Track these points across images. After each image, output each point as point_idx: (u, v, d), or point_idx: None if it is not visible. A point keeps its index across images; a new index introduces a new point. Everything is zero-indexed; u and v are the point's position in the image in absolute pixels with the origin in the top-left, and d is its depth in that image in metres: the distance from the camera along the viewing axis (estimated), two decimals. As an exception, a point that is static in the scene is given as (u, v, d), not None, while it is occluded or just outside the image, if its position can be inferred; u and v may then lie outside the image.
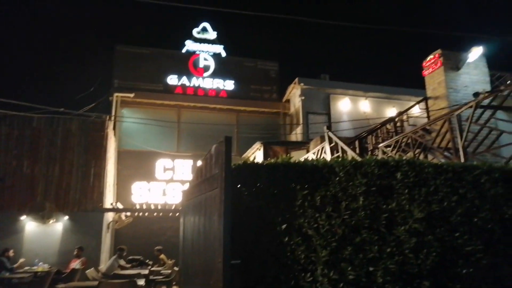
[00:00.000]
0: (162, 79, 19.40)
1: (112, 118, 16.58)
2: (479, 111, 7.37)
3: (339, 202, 4.05)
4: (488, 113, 7.34)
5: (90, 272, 11.22)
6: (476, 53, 11.41)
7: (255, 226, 3.90)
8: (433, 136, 8.72)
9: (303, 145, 15.87)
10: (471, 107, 6.96)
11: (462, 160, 6.97)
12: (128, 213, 16.25)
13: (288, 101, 20.75)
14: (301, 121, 18.71)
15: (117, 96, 18.22)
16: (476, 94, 8.68)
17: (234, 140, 19.56)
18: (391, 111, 19.08)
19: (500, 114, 8.55)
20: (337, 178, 4.14)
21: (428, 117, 12.16)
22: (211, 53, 20.31)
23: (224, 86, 19.94)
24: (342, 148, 9.46)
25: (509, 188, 4.54)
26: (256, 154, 16.01)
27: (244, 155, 17.45)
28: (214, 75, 19.99)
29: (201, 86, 19.68)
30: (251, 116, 20.30)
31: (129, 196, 16.76)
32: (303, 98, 18.98)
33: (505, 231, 4.31)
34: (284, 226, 3.86)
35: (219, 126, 18.44)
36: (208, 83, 19.77)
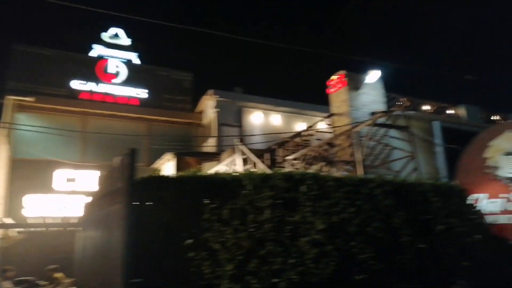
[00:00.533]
0: (66, 84, 18.00)
1: (3, 123, 14.92)
2: (375, 128, 8.06)
3: (246, 215, 4.10)
4: (384, 130, 8.07)
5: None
6: (374, 75, 12.52)
7: (161, 242, 3.77)
8: (336, 150, 9.35)
9: (215, 156, 15.86)
10: (369, 125, 7.60)
11: (361, 172, 7.55)
12: (21, 229, 14.63)
13: (201, 112, 20.66)
14: (215, 133, 18.73)
15: (11, 99, 16.45)
16: (373, 113, 9.55)
17: (145, 151, 18.83)
18: (300, 126, 20.03)
19: (393, 132, 9.48)
20: (245, 192, 4.19)
21: (333, 132, 13.01)
22: (123, 60, 19.45)
23: (136, 94, 19.18)
24: (253, 160, 9.66)
25: (398, 199, 5.02)
26: (167, 165, 15.60)
27: (153, 166, 16.88)
28: (125, 82, 19.13)
29: (110, 92, 18.66)
30: (163, 126, 19.76)
31: (21, 210, 15.13)
32: (217, 110, 19.05)
33: (393, 238, 4.74)
34: (190, 241, 3.78)
35: (130, 136, 17.62)
36: (119, 90, 18.83)
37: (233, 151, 12.20)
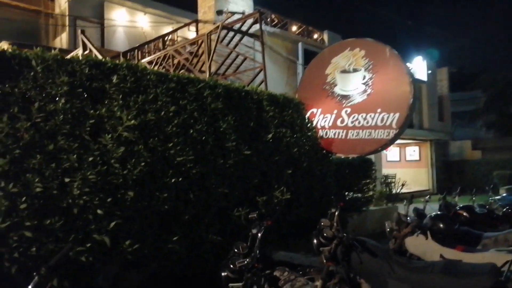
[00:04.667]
0: None
1: None
2: (230, 35, 7.58)
3: (31, 102, 3.31)
4: (238, 38, 7.64)
5: None
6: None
7: None
8: (197, 60, 8.70)
9: (66, 53, 13.82)
10: (217, 27, 7.06)
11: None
12: None
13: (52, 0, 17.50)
14: (67, 26, 16.17)
15: None
16: (219, 12, 8.98)
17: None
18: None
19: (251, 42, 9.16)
20: (32, 73, 3.35)
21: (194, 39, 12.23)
22: None
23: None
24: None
25: (228, 104, 4.75)
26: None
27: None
28: None
29: None
30: (2, 10, 16.27)
31: None
32: (71, -1, 16.28)
33: (218, 143, 4.52)
34: None
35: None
36: None
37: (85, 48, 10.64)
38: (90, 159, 3.48)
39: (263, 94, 5.48)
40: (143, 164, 3.77)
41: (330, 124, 6.52)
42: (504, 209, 6.16)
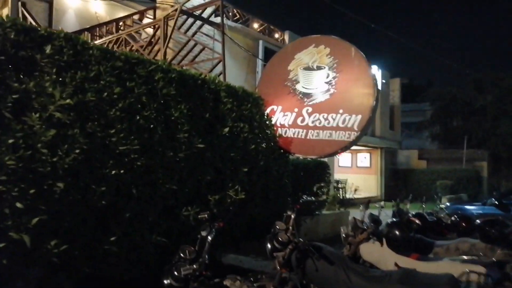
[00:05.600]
0: None
1: None
2: (189, 22, 7.10)
3: None
4: (196, 24, 7.17)
5: None
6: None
7: None
8: (152, 48, 8.10)
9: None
10: (176, 10, 6.56)
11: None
12: None
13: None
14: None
15: None
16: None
17: None
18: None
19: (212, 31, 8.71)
20: None
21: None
22: None
23: None
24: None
25: (182, 91, 4.30)
26: None
27: None
28: None
29: None
30: None
31: None
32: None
33: (168, 133, 4.06)
34: None
35: None
36: None
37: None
38: (10, 141, 2.90)
39: (221, 85, 5.07)
40: (77, 151, 3.24)
41: (290, 122, 6.24)
42: (452, 218, 6.19)
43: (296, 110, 6.23)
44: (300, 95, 6.25)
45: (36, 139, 3.04)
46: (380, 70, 20.35)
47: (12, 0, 14.72)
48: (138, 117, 3.77)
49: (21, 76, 3.06)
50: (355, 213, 8.22)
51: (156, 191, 3.86)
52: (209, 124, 4.64)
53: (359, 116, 5.60)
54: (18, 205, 2.87)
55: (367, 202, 5.46)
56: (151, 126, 3.88)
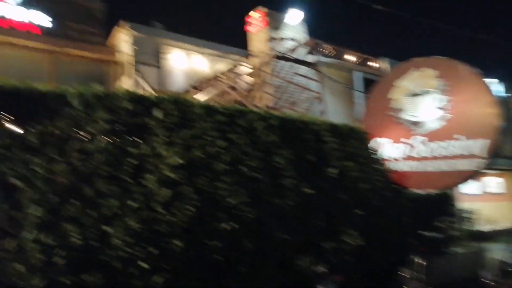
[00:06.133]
0: None
1: None
2: (282, 64, 7.21)
3: (69, 143, 3.03)
4: (290, 66, 7.24)
5: None
6: (296, 16, 11.59)
7: None
8: (252, 95, 8.43)
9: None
10: (270, 58, 6.69)
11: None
12: None
13: (113, 46, 18.52)
14: (128, 71, 16.93)
15: None
16: (271, 40, 8.63)
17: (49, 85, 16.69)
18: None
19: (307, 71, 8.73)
20: (71, 111, 3.10)
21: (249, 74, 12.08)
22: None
23: (38, 21, 16.50)
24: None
25: (283, 136, 4.24)
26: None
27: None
28: (26, 5, 16.34)
29: (6, 16, 15.86)
30: (70, 59, 17.44)
31: None
32: (130, 45, 17.11)
33: (273, 181, 3.99)
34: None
35: (30, 68, 15.37)
36: (16, 13, 16.06)
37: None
38: (131, 203, 3.10)
39: (322, 124, 4.92)
40: (191, 208, 3.33)
41: (401, 155, 5.75)
42: None
43: (405, 140, 5.74)
44: (408, 124, 5.76)
45: (153, 199, 3.20)
46: (502, 83, 18.26)
47: (130, 72, 16.80)
48: (243, 168, 3.78)
49: (136, 141, 3.30)
50: (493, 250, 7.09)
51: (268, 242, 3.76)
52: (314, 167, 4.48)
53: (484, 140, 4.91)
54: (144, 265, 3.00)
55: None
56: (257, 175, 3.85)
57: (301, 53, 7.76)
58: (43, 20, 16.98)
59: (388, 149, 5.86)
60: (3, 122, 2.81)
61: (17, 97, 2.95)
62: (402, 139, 5.74)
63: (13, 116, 2.87)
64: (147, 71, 17.47)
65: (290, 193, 4.07)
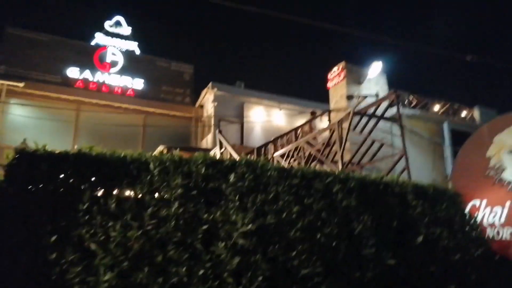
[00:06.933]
0: (61, 71, 17.42)
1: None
2: (363, 121, 6.97)
3: (145, 208, 3.11)
4: (372, 123, 6.96)
5: None
6: (376, 68, 11.39)
7: (17, 238, 2.82)
8: (329, 150, 8.25)
9: (208, 151, 14.99)
10: (349, 114, 6.51)
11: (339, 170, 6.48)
12: None
13: (201, 106, 19.79)
14: (212, 128, 17.82)
15: (2, 84, 15.94)
16: (350, 97, 8.41)
17: (140, 143, 18.17)
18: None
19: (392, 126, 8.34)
20: (149, 177, 3.20)
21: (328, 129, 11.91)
22: (122, 49, 18.79)
23: (133, 85, 18.45)
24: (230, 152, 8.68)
25: (363, 200, 3.95)
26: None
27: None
28: (123, 71, 18.45)
29: (106, 82, 18.00)
30: (161, 119, 18.97)
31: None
32: (215, 104, 18.14)
33: (351, 249, 3.66)
34: (54, 238, 2.81)
35: (125, 127, 16.99)
36: (115, 79, 18.15)
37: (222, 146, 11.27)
38: (201, 272, 3.02)
39: (406, 186, 4.52)
40: (260, 278, 3.15)
41: (503, 220, 5.02)
42: None
43: (508, 203, 5.03)
44: (509, 185, 5.06)
45: (223, 268, 3.09)
46: None
47: (213, 129, 17.64)
48: (319, 236, 3.54)
49: (210, 207, 3.28)
50: None
51: (346, 320, 3.40)
52: (398, 234, 4.06)
53: None
54: None
55: None
56: (333, 244, 3.57)
57: (382, 107, 7.46)
58: (138, 84, 18.90)
59: (487, 214, 5.17)
60: (85, 186, 2.98)
61: (101, 163, 3.13)
62: (503, 202, 5.03)
63: (96, 182, 3.04)
64: (230, 128, 18.27)
65: (370, 264, 3.69)
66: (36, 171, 2.99)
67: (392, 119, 7.07)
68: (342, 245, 3.62)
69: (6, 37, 16.85)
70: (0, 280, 2.68)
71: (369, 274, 3.63)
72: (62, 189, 2.98)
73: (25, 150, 3.05)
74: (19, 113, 16.36)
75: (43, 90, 16.90)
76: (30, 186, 2.95)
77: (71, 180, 3.01)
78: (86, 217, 2.93)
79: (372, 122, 7.44)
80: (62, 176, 3.00)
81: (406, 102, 12.72)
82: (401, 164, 6.51)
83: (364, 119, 7.55)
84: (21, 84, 16.36)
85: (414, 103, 13.15)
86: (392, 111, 7.69)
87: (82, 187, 3.00)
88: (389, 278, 3.73)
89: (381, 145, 6.84)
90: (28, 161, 3.00)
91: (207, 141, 18.55)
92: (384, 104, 7.52)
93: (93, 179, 3.05)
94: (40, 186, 2.96)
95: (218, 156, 9.47)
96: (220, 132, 9.50)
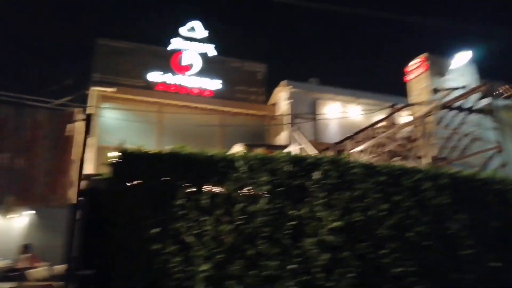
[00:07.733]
0: (143, 75, 18.68)
1: (87, 111, 15.85)
2: (452, 114, 6.53)
3: (234, 204, 3.23)
4: (462, 116, 6.49)
5: (38, 271, 10.37)
6: (463, 58, 10.51)
7: (124, 230, 3.09)
8: (412, 145, 7.87)
9: (284, 148, 15.09)
10: (435, 108, 6.11)
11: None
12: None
13: (274, 104, 19.95)
14: (287, 125, 17.89)
15: (96, 90, 17.52)
16: (436, 90, 7.81)
17: (218, 141, 18.83)
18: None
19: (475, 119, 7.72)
20: (236, 175, 3.32)
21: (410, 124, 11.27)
22: (199, 52, 19.62)
23: (209, 86, 19.18)
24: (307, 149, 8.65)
25: (457, 198, 3.70)
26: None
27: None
28: (199, 73, 19.25)
29: (184, 84, 18.94)
30: (236, 117, 19.49)
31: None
32: (290, 101, 18.16)
33: (446, 249, 3.46)
34: (157, 230, 3.04)
35: (203, 126, 17.75)
36: (192, 81, 19.01)
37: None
38: (290, 266, 3.07)
39: (507, 183, 4.15)
40: (351, 274, 3.11)
41: None
42: None
43: None
44: None
45: (312, 263, 3.11)
46: None
47: (287, 126, 17.73)
48: (409, 234, 3.40)
49: (295, 204, 3.31)
50: None
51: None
52: (499, 235, 3.75)
53: None
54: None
55: None
56: (426, 243, 3.41)
57: (472, 99, 6.92)
58: (214, 84, 19.59)
59: None
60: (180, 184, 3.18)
61: (192, 162, 3.32)
62: None
63: (189, 179, 3.23)
64: (304, 125, 18.17)
65: (470, 266, 3.46)
66: (136, 169, 3.25)
67: (483, 111, 6.50)
68: (435, 245, 3.44)
69: (98, 48, 18.47)
70: (111, 261, 2.95)
71: (468, 276, 3.41)
72: (160, 185, 3.21)
73: (126, 150, 3.34)
74: (110, 116, 17.85)
75: (130, 94, 18.21)
76: (133, 183, 3.22)
77: (167, 178, 3.23)
78: (182, 212, 3.12)
79: (460, 115, 6.94)
80: (159, 173, 3.23)
81: (499, 91, 11.61)
82: (499, 159, 5.99)
83: (451, 113, 7.08)
84: (113, 90, 17.82)
85: (508, 93, 11.96)
86: (482, 103, 7.12)
87: (177, 184, 3.20)
88: (493, 282, 3.47)
89: (473, 140, 6.35)
90: (129, 160, 3.28)
91: (280, 138, 18.66)
92: (473, 96, 6.97)
93: (186, 177, 3.24)
94: (141, 182, 3.21)
95: (296, 152, 9.51)
96: (296, 129, 9.50)
